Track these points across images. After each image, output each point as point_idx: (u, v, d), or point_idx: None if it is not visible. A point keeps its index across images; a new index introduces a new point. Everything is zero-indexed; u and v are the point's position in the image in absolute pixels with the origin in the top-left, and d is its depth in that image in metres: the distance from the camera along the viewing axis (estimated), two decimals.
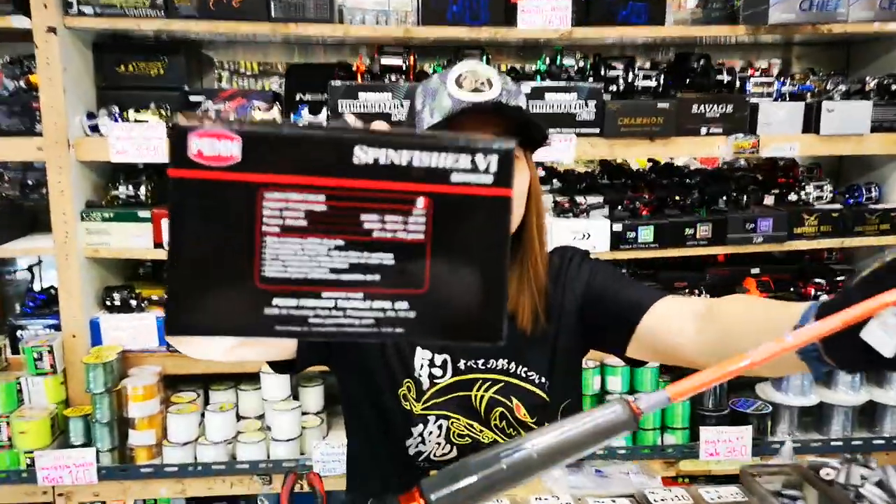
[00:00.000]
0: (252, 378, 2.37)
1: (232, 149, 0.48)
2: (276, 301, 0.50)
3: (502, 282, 0.54)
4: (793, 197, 2.57)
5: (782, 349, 0.75)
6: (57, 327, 2.33)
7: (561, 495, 1.09)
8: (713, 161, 3.21)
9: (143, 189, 2.37)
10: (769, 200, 2.57)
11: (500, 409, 1.21)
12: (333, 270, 0.51)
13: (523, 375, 1.22)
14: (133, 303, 2.36)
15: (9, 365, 2.35)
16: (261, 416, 2.32)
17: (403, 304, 0.52)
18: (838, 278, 2.62)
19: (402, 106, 2.23)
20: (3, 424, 2.20)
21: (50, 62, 2.17)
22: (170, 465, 2.24)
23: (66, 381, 2.30)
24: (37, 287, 2.57)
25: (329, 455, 2.22)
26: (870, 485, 1.07)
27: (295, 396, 2.34)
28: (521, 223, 1.19)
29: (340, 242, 0.51)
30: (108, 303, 2.36)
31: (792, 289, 2.63)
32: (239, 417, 2.33)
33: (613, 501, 1.07)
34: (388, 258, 0.51)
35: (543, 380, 1.23)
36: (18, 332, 2.38)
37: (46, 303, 2.47)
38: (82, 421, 2.24)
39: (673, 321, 1.09)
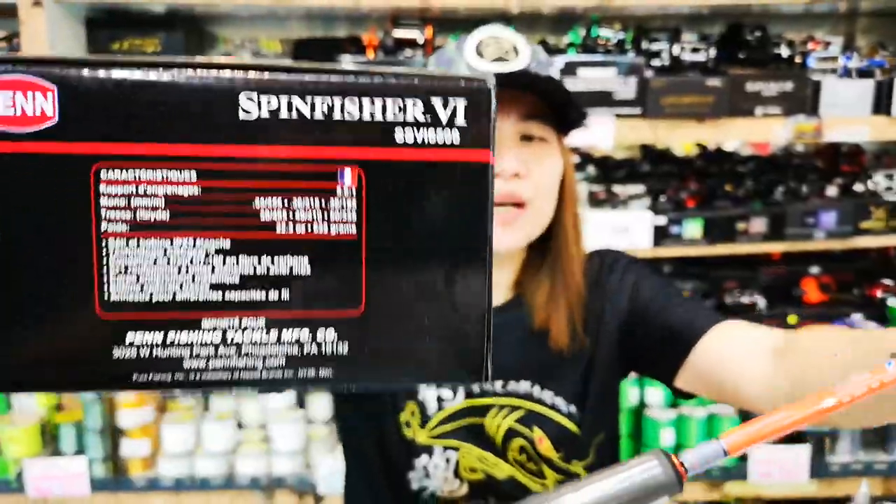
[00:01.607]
0: None
1: (45, 105, 0.32)
2: (130, 337, 0.34)
3: (483, 292, 0.37)
4: (859, 188, 2.29)
5: (882, 384, 0.54)
6: None
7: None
8: (765, 147, 2.93)
9: None
10: (832, 191, 2.29)
11: (521, 440, 1.02)
12: (217, 287, 0.34)
13: (550, 402, 1.03)
14: None
15: None
16: (263, 426, 2.14)
17: (330, 334, 0.35)
18: None
19: None
20: None
21: (35, 39, 1.99)
22: (165, 477, 2.07)
23: None
24: None
25: (337, 470, 2.03)
26: None
27: (301, 404, 2.15)
28: (553, 221, 1.03)
29: (226, 244, 0.34)
30: None
31: (856, 290, 2.36)
32: (239, 426, 2.15)
33: None
34: (301, 264, 0.35)
35: (574, 409, 1.03)
36: None
37: None
38: (74, 427, 2.08)
39: (737, 353, 0.89)
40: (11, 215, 0.33)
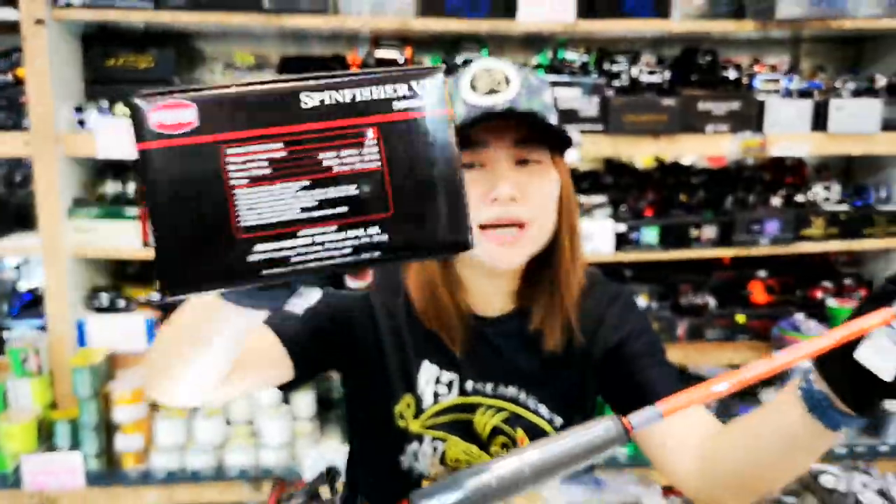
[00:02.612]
0: None
1: (189, 115, 0.51)
2: (257, 247, 0.53)
3: (459, 192, 0.57)
4: (800, 198, 2.50)
5: (772, 368, 0.72)
6: (43, 328, 2.27)
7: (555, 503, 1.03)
8: (722, 160, 3.15)
9: (131, 186, 2.30)
10: (776, 201, 2.50)
11: (504, 438, 1.13)
12: (304, 209, 0.54)
13: (533, 407, 1.14)
14: (121, 303, 2.29)
15: None
16: (251, 422, 2.26)
17: (375, 229, 0.55)
18: (845, 281, 2.56)
19: None
20: None
21: (38, 55, 2.10)
22: (157, 470, 2.17)
23: (53, 383, 2.24)
24: (22, 287, 2.51)
25: (321, 462, 2.16)
26: (870, 492, 1.02)
27: (286, 401, 2.28)
28: (552, 235, 1.08)
29: (306, 183, 0.53)
30: (94, 304, 2.29)
31: (798, 292, 2.57)
32: (228, 423, 2.26)
33: None
34: (351, 189, 0.54)
35: (556, 417, 1.14)
36: (4, 334, 2.31)
37: (32, 303, 2.41)
38: (69, 424, 2.18)
39: (673, 446, 1.03)
40: (181, 181, 0.52)
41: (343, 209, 0.54)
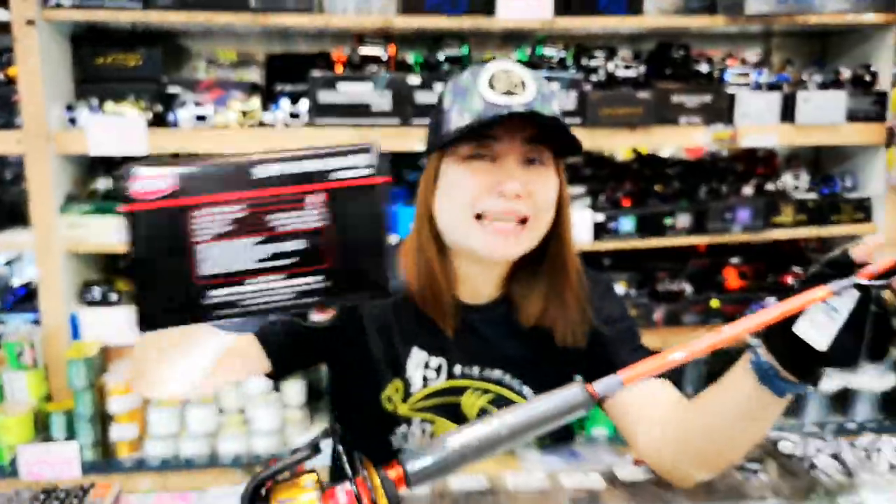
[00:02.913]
0: None
1: (163, 184, 0.61)
2: (212, 292, 0.62)
3: (383, 249, 0.66)
4: (770, 187, 2.60)
5: (720, 340, 0.81)
6: (37, 322, 2.32)
7: (534, 471, 1.12)
8: (699, 152, 3.24)
9: (122, 182, 2.35)
10: (748, 190, 2.60)
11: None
12: (258, 261, 0.63)
13: (517, 389, 1.21)
14: (113, 297, 2.35)
15: None
16: (242, 411, 2.33)
17: (316, 278, 0.64)
18: None
19: (380, 96, 2.23)
20: None
21: (29, 55, 2.15)
22: (152, 458, 2.24)
23: (47, 376, 2.29)
24: (15, 282, 2.55)
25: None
26: (824, 456, 1.12)
27: (276, 389, 2.35)
28: (550, 234, 1.15)
29: (259, 239, 0.62)
30: (87, 298, 2.35)
31: (770, 277, 2.67)
32: (220, 411, 2.32)
33: (584, 475, 1.11)
34: (297, 244, 0.63)
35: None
36: None
37: (26, 298, 2.45)
38: (65, 415, 2.23)
39: (637, 418, 1.12)
40: (153, 238, 0.61)
41: (290, 261, 0.63)
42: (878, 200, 2.59)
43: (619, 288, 2.54)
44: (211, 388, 1.05)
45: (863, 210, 2.57)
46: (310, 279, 0.63)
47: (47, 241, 2.25)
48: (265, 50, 2.56)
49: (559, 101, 1.14)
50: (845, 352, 0.82)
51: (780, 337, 0.85)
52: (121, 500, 1.08)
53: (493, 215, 1.08)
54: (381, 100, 2.24)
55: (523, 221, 1.09)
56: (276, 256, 0.63)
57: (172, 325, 0.63)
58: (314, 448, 0.67)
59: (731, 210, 2.49)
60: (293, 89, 2.34)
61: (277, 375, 1.19)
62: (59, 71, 2.29)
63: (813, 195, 2.61)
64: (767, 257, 2.74)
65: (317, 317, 0.70)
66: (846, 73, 2.51)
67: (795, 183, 2.62)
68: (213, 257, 0.62)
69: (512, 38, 2.65)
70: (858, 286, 0.80)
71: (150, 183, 0.61)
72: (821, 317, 0.83)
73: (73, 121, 2.24)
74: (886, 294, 0.81)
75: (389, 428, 1.20)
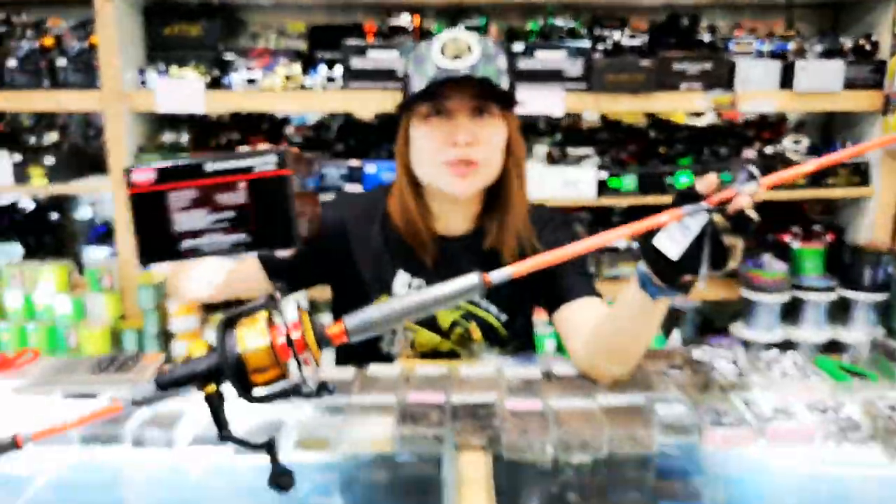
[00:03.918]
0: None
1: (151, 176, 0.98)
2: (183, 243, 0.99)
3: (288, 216, 0.99)
4: (769, 150, 2.77)
5: (602, 242, 1.00)
6: (114, 254, 2.74)
7: (486, 366, 1.38)
8: (735, 115, 3.34)
9: (185, 136, 2.73)
10: (750, 153, 2.77)
11: (460, 329, 1.49)
12: (209, 223, 0.98)
13: (484, 307, 1.48)
14: None
15: (76, 285, 2.77)
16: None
17: (244, 235, 1.00)
18: (814, 227, 2.82)
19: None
20: (71, 332, 2.62)
21: (107, 25, 2.53)
22: None
23: (122, 299, 2.71)
24: (97, 221, 2.98)
25: None
26: (724, 361, 1.35)
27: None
28: (502, 173, 1.40)
29: (209, 209, 0.98)
30: None
31: (769, 236, 2.84)
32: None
33: (525, 369, 1.35)
34: (234, 213, 0.98)
35: (504, 317, 1.49)
36: (83, 258, 2.79)
37: (105, 234, 2.88)
38: (135, 333, 2.64)
39: (573, 327, 1.38)
40: (147, 209, 0.98)
41: (228, 224, 0.98)
42: (875, 165, 2.72)
43: (623, 242, 2.77)
44: (224, 297, 1.43)
45: (859, 174, 2.71)
46: (241, 236, 0.99)
47: (122, 187, 2.64)
48: (308, 21, 2.87)
49: (504, 59, 1.35)
50: (692, 260, 1.02)
51: (651, 249, 1.06)
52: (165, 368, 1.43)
53: (451, 162, 1.34)
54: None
55: (474, 164, 1.34)
56: (219, 221, 0.98)
57: (160, 262, 1.01)
58: (270, 298, 0.92)
59: (731, 171, 2.67)
60: (331, 56, 2.64)
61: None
62: (133, 39, 2.67)
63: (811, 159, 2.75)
64: (768, 217, 2.90)
65: (281, 254, 1.07)
66: (848, 43, 2.64)
67: (795, 147, 2.77)
68: (182, 221, 0.97)
69: (530, 9, 2.87)
70: (704, 210, 0.99)
71: (142, 175, 0.98)
72: (675, 233, 1.04)
73: (143, 83, 2.62)
74: (718, 218, 1.00)
75: (379, 336, 1.50)
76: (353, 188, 2.60)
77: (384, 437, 1.10)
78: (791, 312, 2.73)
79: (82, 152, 2.88)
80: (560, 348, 2.63)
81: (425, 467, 1.10)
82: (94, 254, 2.78)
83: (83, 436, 1.12)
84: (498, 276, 0.89)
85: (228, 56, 2.64)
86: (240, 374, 0.81)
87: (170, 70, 2.61)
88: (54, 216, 3.10)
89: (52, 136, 2.84)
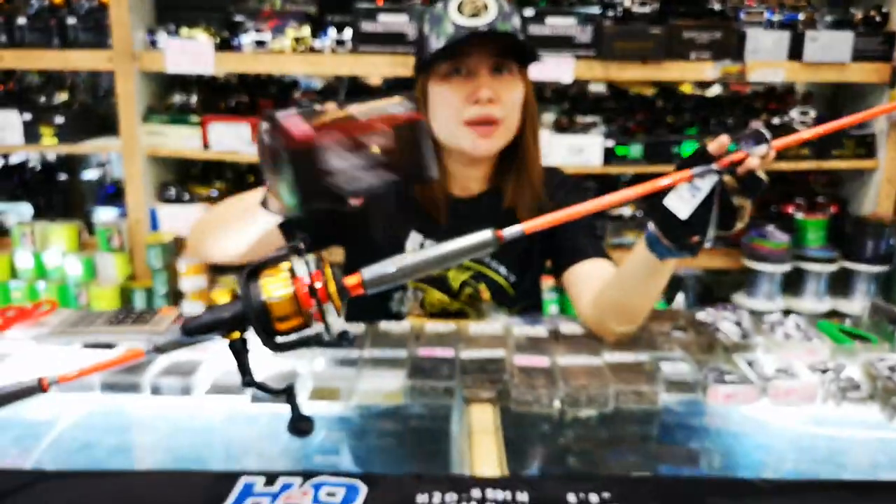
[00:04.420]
0: None
1: (305, 127, 0.92)
2: (332, 180, 0.94)
3: (422, 153, 0.98)
4: (776, 121, 2.78)
5: (613, 201, 1.02)
6: (123, 215, 2.77)
7: (494, 324, 1.42)
8: (736, 87, 3.35)
9: (193, 98, 2.74)
10: (756, 124, 2.77)
11: (470, 289, 1.52)
12: (358, 164, 0.94)
13: (494, 267, 1.51)
14: (185, 196, 2.76)
15: (86, 244, 2.80)
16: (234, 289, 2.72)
17: (391, 174, 0.96)
18: (818, 199, 2.84)
19: (414, 27, 2.51)
20: (83, 290, 2.66)
21: None
22: None
23: (131, 259, 2.74)
24: (106, 180, 3.00)
25: None
26: (728, 323, 1.37)
27: None
28: (518, 133, 1.41)
29: (358, 151, 0.94)
30: (164, 196, 2.77)
31: (773, 207, 2.86)
32: None
33: (532, 328, 1.38)
34: (380, 156, 0.95)
35: (511, 275, 1.51)
36: (92, 218, 2.82)
37: (115, 194, 2.90)
38: (145, 292, 2.68)
39: (582, 286, 1.40)
40: (300, 157, 0.92)
41: (376, 164, 0.95)
42: (880, 137, 2.73)
43: (628, 209, 2.80)
44: (246, 260, 1.44)
45: (865, 146, 2.72)
46: (384, 172, 0.96)
47: (132, 146, 2.66)
48: None
49: (518, 19, 1.36)
50: (701, 221, 1.03)
51: (660, 210, 1.08)
52: (182, 318, 1.46)
53: (473, 120, 1.36)
54: (415, 30, 2.52)
55: (495, 122, 1.36)
56: (366, 159, 0.95)
57: (316, 201, 0.97)
58: (294, 249, 0.93)
59: (735, 140, 2.67)
60: (341, 20, 2.64)
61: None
62: None
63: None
64: (773, 188, 2.92)
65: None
66: (858, 14, 2.63)
67: (803, 119, 2.78)
68: (333, 162, 0.94)
69: None
70: (714, 171, 1.01)
71: (297, 127, 0.92)
72: (685, 193, 1.06)
73: (153, 43, 2.62)
74: (727, 179, 1.02)
75: (390, 295, 1.52)
76: None
77: (395, 390, 1.14)
78: (793, 283, 2.76)
79: (92, 112, 2.89)
80: (564, 311, 2.67)
81: (435, 420, 1.14)
82: (103, 214, 2.81)
83: (103, 383, 1.15)
84: (510, 232, 0.91)
85: (238, 17, 2.63)
86: (264, 321, 0.83)
87: (180, 31, 2.61)
88: (62, 177, 3.12)
89: (61, 96, 2.85)
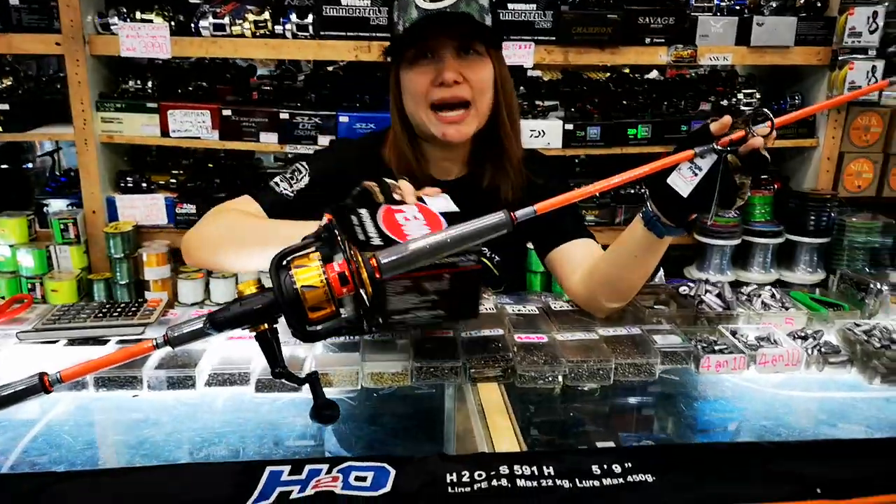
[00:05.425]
0: None
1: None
2: (394, 318, 1.09)
3: (475, 299, 1.11)
4: (724, 103, 2.90)
5: (616, 182, 1.07)
6: (77, 205, 2.68)
7: (488, 303, 1.46)
8: (672, 73, 3.49)
9: (149, 83, 2.67)
10: (706, 106, 2.89)
11: None
12: (415, 303, 1.08)
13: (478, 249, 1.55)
14: (144, 185, 2.69)
15: (38, 236, 2.70)
16: (259, 280, 2.70)
17: (440, 311, 1.07)
18: (762, 176, 2.98)
19: (379, 12, 2.51)
20: (37, 284, 2.58)
21: None
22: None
23: (88, 251, 2.66)
24: (57, 172, 2.89)
25: None
26: (711, 295, 1.45)
27: None
28: (493, 115, 1.42)
29: (417, 292, 1.07)
30: (121, 185, 2.69)
31: None
32: (237, 282, 2.70)
33: (524, 306, 1.43)
34: (434, 296, 1.07)
35: (495, 256, 1.55)
36: (44, 209, 2.72)
37: (67, 184, 2.80)
38: (104, 283, 2.61)
39: (571, 265, 1.44)
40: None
41: (430, 302, 1.07)
42: (820, 117, 2.89)
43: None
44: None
45: (806, 125, 2.87)
46: (438, 311, 1.06)
47: (85, 133, 2.58)
48: None
49: (485, 0, 1.36)
50: (702, 198, 1.07)
51: (660, 188, 1.12)
52: (167, 312, 1.44)
53: (442, 102, 1.36)
54: (379, 15, 2.52)
55: (467, 106, 1.36)
56: (423, 300, 1.05)
57: (374, 331, 1.11)
58: (319, 237, 0.93)
59: (687, 122, 2.79)
60: (300, 3, 2.61)
61: None
62: None
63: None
64: None
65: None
66: (800, 0, 2.76)
67: (748, 100, 2.91)
68: (395, 302, 1.04)
69: None
70: (716, 150, 1.03)
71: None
72: (686, 171, 1.08)
73: (105, 26, 2.53)
74: (730, 157, 1.05)
75: None
76: (325, 140, 2.60)
77: (401, 371, 1.16)
78: (741, 255, 2.91)
79: (37, 99, 2.78)
80: (546, 289, 2.73)
81: (440, 399, 1.17)
82: (55, 205, 2.71)
83: (97, 377, 1.13)
84: (523, 213, 0.92)
85: (194, 0, 2.57)
86: (297, 311, 0.82)
87: (133, 14, 2.53)
88: (6, 166, 2.99)
89: (6, 82, 2.73)
